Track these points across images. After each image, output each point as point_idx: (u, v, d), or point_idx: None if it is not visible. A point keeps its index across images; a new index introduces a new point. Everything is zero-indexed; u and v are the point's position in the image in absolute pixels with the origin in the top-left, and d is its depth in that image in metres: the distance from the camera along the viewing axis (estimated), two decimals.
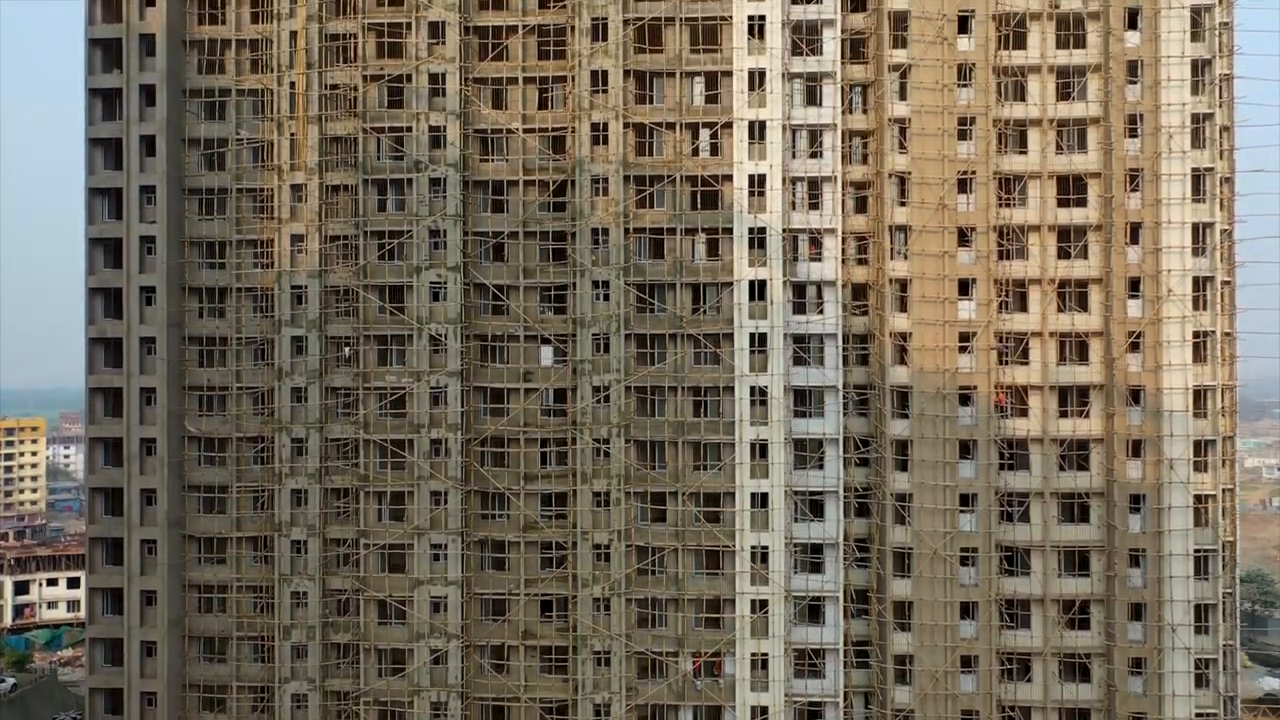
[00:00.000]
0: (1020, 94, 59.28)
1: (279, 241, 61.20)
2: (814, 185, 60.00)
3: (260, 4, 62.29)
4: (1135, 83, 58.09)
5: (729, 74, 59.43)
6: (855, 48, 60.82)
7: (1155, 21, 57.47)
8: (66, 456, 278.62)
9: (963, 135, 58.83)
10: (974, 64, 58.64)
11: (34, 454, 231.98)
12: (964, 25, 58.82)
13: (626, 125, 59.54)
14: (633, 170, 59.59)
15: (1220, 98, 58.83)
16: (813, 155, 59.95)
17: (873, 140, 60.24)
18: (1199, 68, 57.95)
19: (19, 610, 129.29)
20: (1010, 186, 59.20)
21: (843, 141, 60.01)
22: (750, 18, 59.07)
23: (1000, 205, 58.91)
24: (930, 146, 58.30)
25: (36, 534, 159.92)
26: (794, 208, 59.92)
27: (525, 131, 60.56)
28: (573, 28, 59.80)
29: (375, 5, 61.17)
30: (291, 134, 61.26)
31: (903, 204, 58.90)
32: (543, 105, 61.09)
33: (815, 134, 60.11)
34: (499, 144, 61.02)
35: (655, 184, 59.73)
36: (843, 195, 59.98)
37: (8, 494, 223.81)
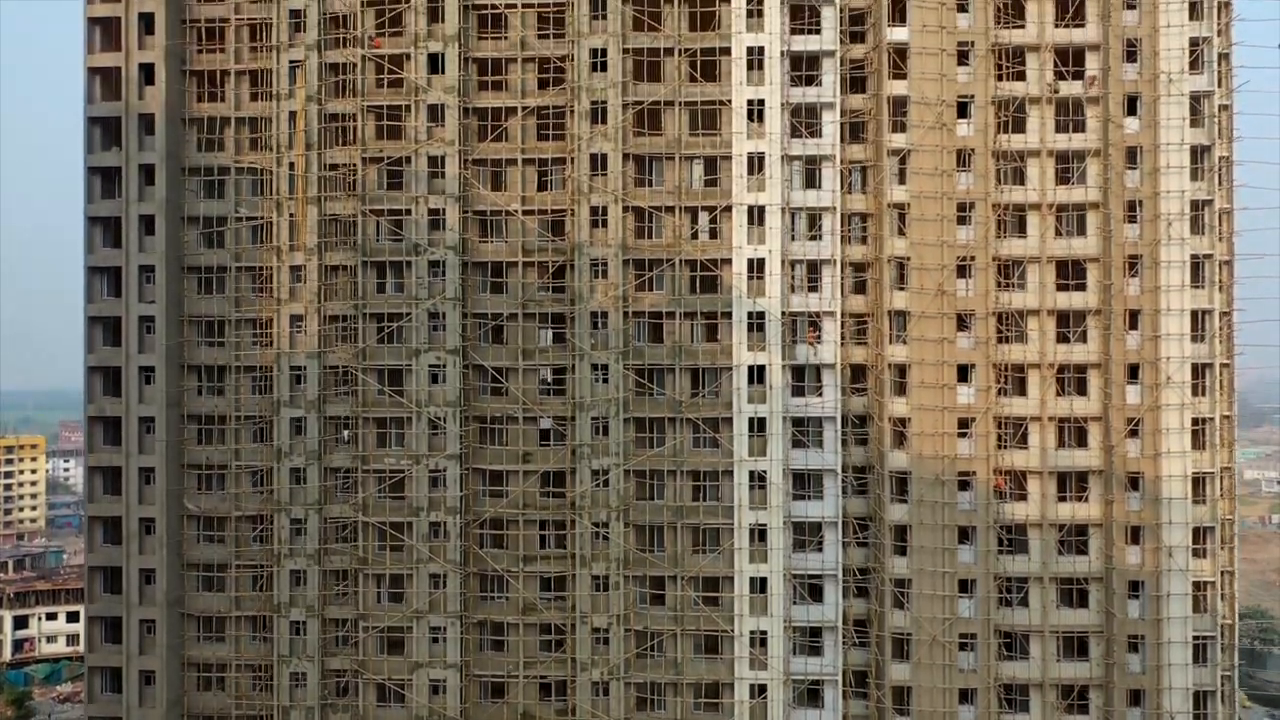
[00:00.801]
0: (1019, 178, 59.24)
1: (278, 322, 61.18)
2: (813, 268, 60.00)
3: (260, 83, 62.23)
4: (1134, 169, 58.10)
5: (728, 158, 59.45)
6: (855, 130, 60.81)
7: (1155, 108, 57.47)
8: (66, 469, 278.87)
9: (962, 220, 58.81)
10: (973, 149, 58.62)
11: (34, 471, 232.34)
12: (963, 110, 58.83)
13: (626, 209, 59.54)
14: (632, 254, 59.63)
15: (1220, 183, 58.84)
16: (812, 238, 59.97)
17: (872, 223, 60.25)
18: (1198, 154, 57.98)
19: (18, 645, 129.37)
20: (1009, 271, 59.18)
21: (842, 224, 60.00)
22: (750, 102, 59.06)
23: (999, 289, 58.89)
24: (929, 231, 58.30)
25: (36, 563, 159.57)
26: (793, 290, 59.90)
27: (524, 213, 60.56)
28: (572, 110, 59.79)
29: (375, 87, 61.14)
30: (291, 214, 61.23)
31: (901, 288, 58.88)
32: (542, 187, 61.10)
33: (814, 218, 60.11)
34: (498, 225, 61.02)
35: (654, 268, 59.75)
36: (842, 277, 59.99)
37: (7, 512, 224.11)
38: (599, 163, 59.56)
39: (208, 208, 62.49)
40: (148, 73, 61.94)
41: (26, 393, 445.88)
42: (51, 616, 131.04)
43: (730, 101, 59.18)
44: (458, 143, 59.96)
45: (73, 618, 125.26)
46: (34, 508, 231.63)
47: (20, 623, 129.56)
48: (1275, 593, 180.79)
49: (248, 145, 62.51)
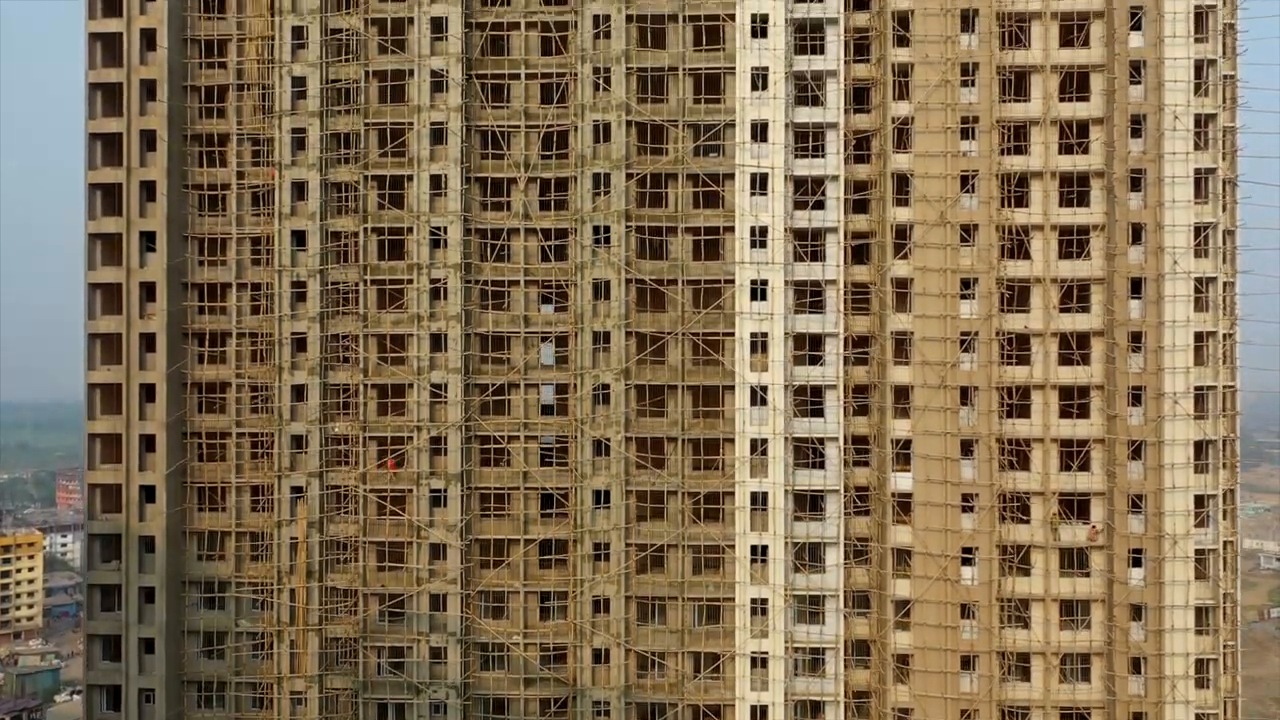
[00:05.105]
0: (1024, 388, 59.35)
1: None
2: (816, 709, 59.80)
3: (261, 501, 61.98)
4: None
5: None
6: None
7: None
8: (64, 545, 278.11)
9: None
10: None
11: (31, 570, 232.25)
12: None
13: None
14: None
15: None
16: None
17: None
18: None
19: None
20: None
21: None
22: (750, 539, 59.06)
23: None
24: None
25: (33, 715, 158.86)
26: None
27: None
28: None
29: (376, 517, 60.82)
30: (292, 640, 60.99)
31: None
32: (544, 617, 60.97)
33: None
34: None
35: (659, 714, 59.75)
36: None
37: (4, 611, 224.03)
38: (602, 605, 59.44)
39: (208, 621, 62.24)
40: (148, 493, 61.74)
41: (26, 406, 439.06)
42: None
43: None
44: (460, 579, 59.76)
45: None
46: (31, 605, 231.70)
47: None
48: None
49: (248, 559, 62.28)
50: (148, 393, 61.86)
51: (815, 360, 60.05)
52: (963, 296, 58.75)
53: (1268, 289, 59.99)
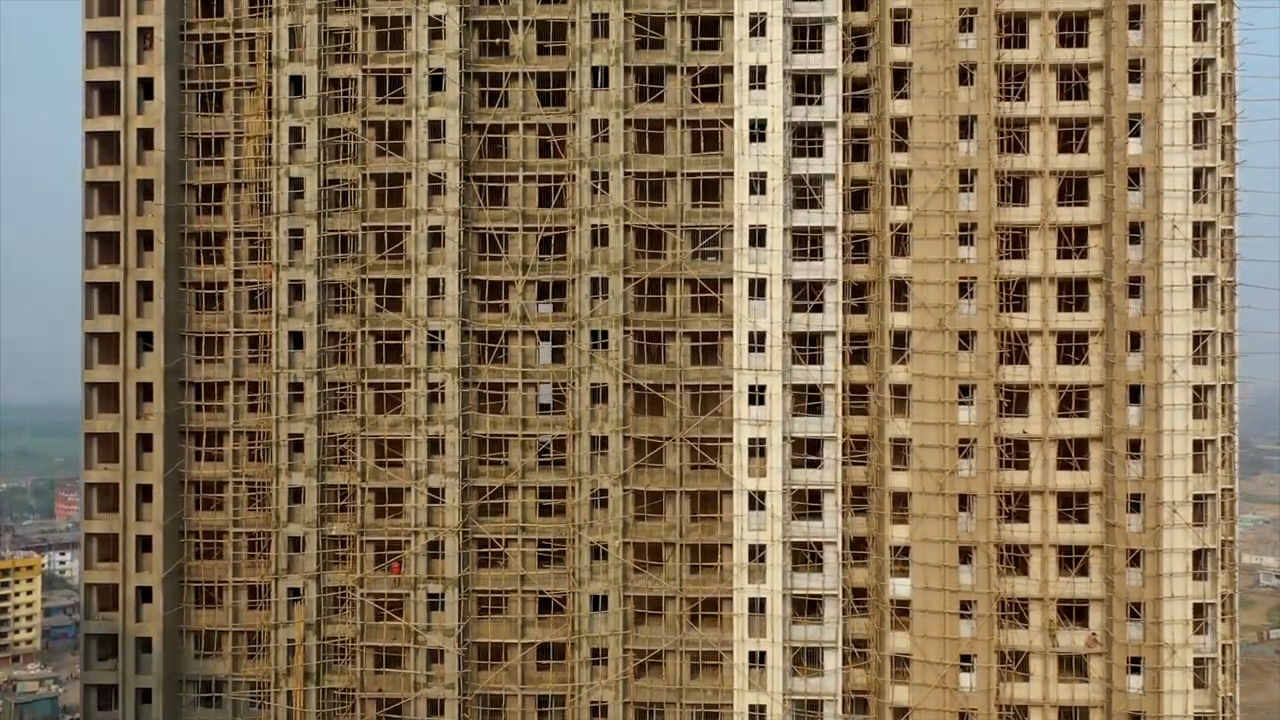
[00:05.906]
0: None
1: None
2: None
3: (257, 595, 61.91)
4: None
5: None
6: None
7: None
8: (62, 563, 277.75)
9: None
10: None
11: (29, 593, 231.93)
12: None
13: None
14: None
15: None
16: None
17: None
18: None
19: None
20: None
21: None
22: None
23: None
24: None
25: None
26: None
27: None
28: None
29: (373, 622, 60.75)
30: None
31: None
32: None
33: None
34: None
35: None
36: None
37: (2, 635, 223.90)
38: (600, 710, 59.33)
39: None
40: (145, 592, 61.67)
41: (25, 408, 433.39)
42: None
43: (731, 652, 59.02)
44: (458, 684, 59.66)
45: None
46: (29, 629, 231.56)
47: None
48: None
49: (246, 658, 62.20)
50: (145, 492, 61.76)
51: (814, 464, 59.96)
52: (961, 403, 58.65)
53: (1269, 394, 59.67)
